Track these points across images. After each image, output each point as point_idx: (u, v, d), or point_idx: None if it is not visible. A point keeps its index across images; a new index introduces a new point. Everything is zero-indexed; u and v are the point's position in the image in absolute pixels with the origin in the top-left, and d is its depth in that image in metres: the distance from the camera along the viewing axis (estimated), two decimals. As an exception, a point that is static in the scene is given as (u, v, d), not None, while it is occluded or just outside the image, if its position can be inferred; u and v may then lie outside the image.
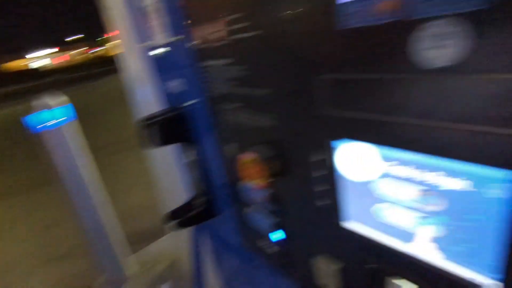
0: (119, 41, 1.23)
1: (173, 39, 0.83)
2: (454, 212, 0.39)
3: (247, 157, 0.64)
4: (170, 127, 0.88)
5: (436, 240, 0.43)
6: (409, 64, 0.36)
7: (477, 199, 0.37)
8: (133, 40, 1.14)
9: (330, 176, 0.53)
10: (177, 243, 1.73)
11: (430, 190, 0.41)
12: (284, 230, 0.71)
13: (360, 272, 0.55)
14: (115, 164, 4.76)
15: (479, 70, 0.31)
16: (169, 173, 1.34)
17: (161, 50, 0.90)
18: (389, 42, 0.37)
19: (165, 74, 0.94)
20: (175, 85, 0.91)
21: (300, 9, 0.46)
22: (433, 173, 0.40)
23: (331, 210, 0.55)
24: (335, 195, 0.53)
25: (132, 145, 5.44)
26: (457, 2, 0.30)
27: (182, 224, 0.97)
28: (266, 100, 0.60)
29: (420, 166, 0.41)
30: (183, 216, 0.97)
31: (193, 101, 0.87)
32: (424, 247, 0.44)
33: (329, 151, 0.51)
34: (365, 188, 0.49)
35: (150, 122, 0.85)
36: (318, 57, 0.46)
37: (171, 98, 0.95)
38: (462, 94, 0.33)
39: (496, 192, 0.34)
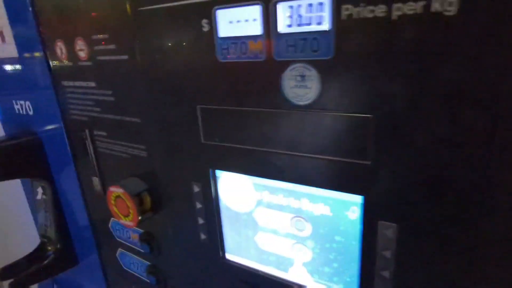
0: None
1: (25, 54, 0.69)
2: (318, 236, 0.43)
3: (116, 192, 0.56)
4: (14, 157, 0.71)
5: (306, 264, 0.45)
6: (275, 99, 0.39)
7: (336, 222, 0.41)
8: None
9: (210, 208, 0.51)
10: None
11: (298, 216, 0.44)
12: (161, 272, 0.64)
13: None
14: None
15: (329, 108, 0.36)
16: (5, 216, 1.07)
17: (7, 65, 0.73)
18: (257, 79, 0.39)
19: (10, 93, 0.77)
20: (23, 106, 0.74)
21: (175, 38, 0.44)
22: (299, 200, 0.43)
23: (212, 244, 0.53)
24: (216, 227, 0.51)
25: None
26: (308, 51, 0.35)
27: (20, 284, 0.76)
28: (136, 128, 0.55)
29: (287, 194, 0.44)
30: (21, 273, 0.77)
31: (47, 127, 0.73)
32: (298, 272, 0.47)
33: (209, 182, 0.49)
34: (244, 218, 0.49)
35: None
36: (193, 88, 0.45)
37: (18, 121, 0.77)
38: (318, 128, 0.37)
39: (351, 214, 0.39)
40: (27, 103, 0.73)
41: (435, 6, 0.28)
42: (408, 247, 0.36)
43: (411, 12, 0.29)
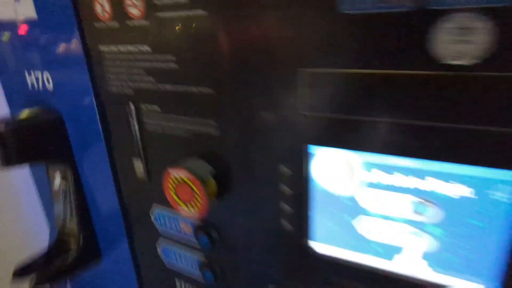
0: None
1: (46, 13, 0.57)
2: (448, 221, 0.38)
3: (177, 175, 0.48)
4: (38, 136, 0.59)
5: (427, 253, 0.40)
6: (417, 58, 0.32)
7: (474, 204, 0.36)
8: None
9: (297, 191, 0.44)
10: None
11: (419, 198, 0.38)
12: (218, 268, 0.57)
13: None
14: None
15: (503, 70, 0.30)
16: (19, 206, 0.94)
17: (22, 28, 0.61)
18: (398, 32, 0.33)
19: (24, 61, 0.64)
20: (40, 79, 0.63)
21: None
22: (423, 179, 0.37)
23: (297, 232, 0.46)
24: (304, 213, 0.45)
25: None
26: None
27: (41, 281, 0.66)
28: (207, 101, 0.46)
29: (407, 172, 0.38)
30: (42, 269, 0.66)
31: (72, 103, 0.62)
32: (413, 263, 0.41)
33: (300, 161, 0.42)
34: (343, 202, 0.43)
35: (3, 130, 0.55)
36: (296, 47, 0.38)
37: (34, 96, 0.65)
38: (484, 94, 0.31)
39: (500, 195, 0.34)
40: (46, 73, 0.62)
41: None
42: None
43: None
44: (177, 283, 0.64)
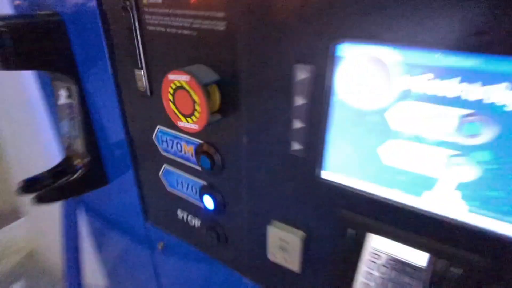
0: None
1: None
2: (504, 143, 0.27)
3: (177, 80, 0.40)
4: (30, 40, 0.53)
5: (468, 187, 0.31)
6: None
7: (556, 119, 0.25)
8: None
9: (316, 104, 0.35)
10: (35, 228, 1.27)
11: (475, 114, 0.28)
12: (220, 192, 0.50)
13: (339, 241, 0.40)
14: None
15: None
16: (24, 121, 0.91)
17: None
18: None
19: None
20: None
21: None
22: (487, 86, 0.27)
23: (309, 158, 0.38)
24: (320, 134, 0.36)
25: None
26: None
27: (44, 198, 0.63)
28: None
29: (470, 77, 0.27)
30: (46, 186, 0.63)
31: (75, 5, 0.54)
32: (446, 199, 0.32)
33: (324, 64, 0.33)
34: (370, 119, 0.33)
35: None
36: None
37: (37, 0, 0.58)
38: None
39: None
40: (45, -29, 0.53)
41: None
42: None
43: None
44: (178, 210, 0.59)
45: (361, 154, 0.35)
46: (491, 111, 0.27)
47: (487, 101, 0.27)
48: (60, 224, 0.83)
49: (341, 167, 0.37)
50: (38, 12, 0.55)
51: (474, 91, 0.27)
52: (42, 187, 0.61)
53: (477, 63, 0.26)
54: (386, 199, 0.35)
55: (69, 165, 0.66)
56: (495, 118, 0.27)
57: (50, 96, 0.68)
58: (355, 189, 0.36)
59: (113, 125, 0.60)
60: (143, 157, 0.60)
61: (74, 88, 0.60)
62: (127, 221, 0.74)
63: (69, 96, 0.62)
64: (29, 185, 0.62)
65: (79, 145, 0.64)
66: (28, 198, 0.62)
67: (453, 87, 0.28)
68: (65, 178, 0.63)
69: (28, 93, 0.79)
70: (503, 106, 0.26)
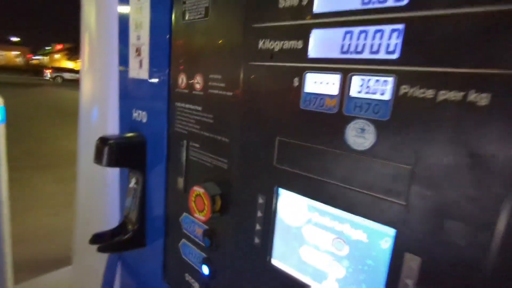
0: (87, 58, 1.24)
1: (154, 76, 0.89)
2: (353, 257, 0.50)
3: (197, 190, 0.70)
4: (128, 150, 0.89)
5: (339, 280, 0.52)
6: (338, 143, 0.49)
7: (370, 248, 0.48)
8: (106, 63, 1.16)
9: (267, 218, 0.61)
10: (79, 276, 1.54)
11: (339, 238, 0.52)
12: (213, 265, 0.74)
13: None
14: (25, 179, 4.08)
15: (378, 156, 0.45)
16: (99, 196, 1.26)
17: (139, 80, 0.95)
18: (328, 125, 0.51)
19: (134, 102, 0.98)
20: (140, 114, 0.94)
21: (271, 86, 0.58)
22: (342, 224, 0.51)
23: (263, 248, 0.62)
24: (269, 235, 0.61)
25: (53, 162, 4.82)
26: (370, 112, 0.45)
27: (105, 249, 0.92)
28: (224, 146, 0.68)
29: (333, 218, 0.52)
30: (108, 240, 0.92)
31: (154, 133, 0.91)
32: (330, 286, 0.54)
33: (272, 197, 0.60)
34: (294, 231, 0.58)
35: (111, 141, 0.86)
36: (278, 125, 0.58)
37: (132, 125, 0.97)
38: (367, 170, 0.46)
39: (384, 244, 0.47)
40: (144, 112, 0.93)
41: (470, 97, 0.37)
42: (429, 279, 0.42)
43: (452, 98, 0.38)
44: (186, 274, 0.83)
45: (291, 251, 0.59)
46: (345, 237, 0.51)
47: (343, 231, 0.51)
48: (102, 273, 1.10)
49: (282, 257, 0.61)
50: (132, 134, 0.93)
51: (338, 226, 0.52)
52: (104, 240, 0.91)
53: (338, 213, 0.52)
54: (303, 283, 0.57)
55: (124, 228, 0.95)
56: (347, 241, 0.51)
57: (125, 180, 1.02)
58: (288, 273, 0.59)
59: (158, 206, 0.90)
60: (171, 231, 0.87)
61: (140, 179, 0.94)
62: (150, 278, 0.98)
63: (136, 183, 0.95)
64: (96, 238, 0.92)
65: (134, 215, 0.95)
66: (79, 248, 0.91)
67: (329, 222, 0.53)
68: (120, 237, 0.92)
69: (110, 177, 1.16)
70: (350, 236, 0.50)
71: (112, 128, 1.33)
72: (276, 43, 0.56)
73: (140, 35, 0.91)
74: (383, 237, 0.47)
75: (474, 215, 0.38)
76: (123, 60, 1.00)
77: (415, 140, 0.42)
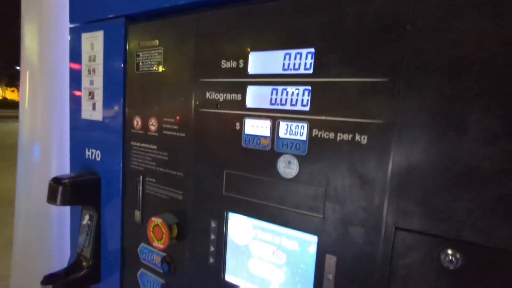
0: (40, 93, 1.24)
1: (109, 118, 0.96)
2: (290, 264, 0.63)
3: (156, 221, 0.77)
4: (82, 189, 0.92)
5: (281, 284, 0.64)
6: (272, 173, 0.63)
7: (301, 254, 0.61)
8: (51, 102, 1.18)
9: (220, 239, 0.71)
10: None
11: (278, 249, 0.65)
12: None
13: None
14: None
15: (303, 182, 0.60)
16: (43, 236, 1.22)
17: (92, 121, 1.00)
18: (264, 160, 0.64)
19: (87, 142, 1.02)
20: (94, 153, 0.99)
21: (218, 129, 0.71)
22: (280, 237, 0.64)
23: (218, 266, 0.72)
24: (222, 254, 0.71)
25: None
26: (294, 149, 0.60)
27: (57, 289, 0.91)
28: (179, 179, 0.78)
29: (273, 233, 0.65)
30: (61, 280, 0.92)
31: (109, 170, 0.96)
32: (273, 290, 0.65)
33: (222, 221, 0.71)
34: (242, 249, 0.69)
35: (66, 181, 0.88)
36: (225, 160, 0.70)
37: (87, 163, 1.01)
38: (295, 193, 0.61)
39: (311, 249, 0.60)
40: (98, 151, 0.98)
41: (357, 138, 0.54)
42: (343, 272, 0.56)
43: (346, 139, 0.55)
44: (145, 303, 0.87)
45: (241, 266, 0.69)
46: (282, 248, 0.64)
47: (281, 243, 0.64)
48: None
49: (234, 272, 0.70)
50: (85, 172, 0.97)
51: (277, 239, 0.64)
52: (57, 280, 0.90)
53: (276, 228, 0.64)
54: (252, 292, 0.67)
55: (79, 266, 0.96)
56: (284, 251, 0.63)
57: (78, 217, 1.03)
58: (240, 286, 0.69)
59: (113, 241, 0.94)
60: (129, 263, 0.91)
61: (95, 215, 0.96)
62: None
63: (90, 219, 0.98)
64: (48, 279, 0.91)
65: (88, 252, 0.96)
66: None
67: (270, 237, 0.65)
68: (75, 275, 0.92)
69: (63, 214, 1.15)
70: (287, 246, 0.63)
71: (57, 166, 1.33)
72: (220, 95, 0.70)
73: (94, 80, 0.98)
74: (310, 244, 0.60)
75: (366, 220, 0.53)
76: (74, 102, 1.04)
77: (325, 168, 0.57)
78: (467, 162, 0.46)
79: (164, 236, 0.76)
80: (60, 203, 0.89)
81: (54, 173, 0.97)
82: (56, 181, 0.89)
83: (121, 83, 0.90)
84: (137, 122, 0.87)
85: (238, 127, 0.67)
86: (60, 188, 0.89)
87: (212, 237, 0.72)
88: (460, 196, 0.46)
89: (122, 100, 0.90)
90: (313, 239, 0.60)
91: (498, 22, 0.43)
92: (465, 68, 0.45)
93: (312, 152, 0.59)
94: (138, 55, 0.86)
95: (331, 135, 0.56)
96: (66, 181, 0.90)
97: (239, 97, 0.67)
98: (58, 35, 1.15)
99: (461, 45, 0.45)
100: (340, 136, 0.56)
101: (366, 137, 0.53)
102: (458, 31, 0.46)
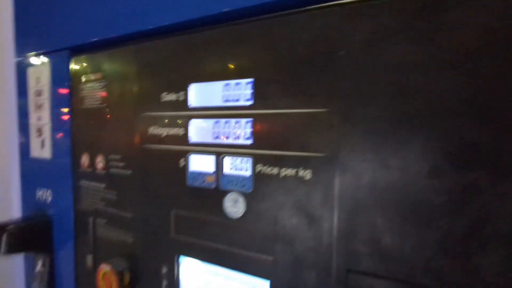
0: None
1: (58, 155, 0.89)
2: (245, 311, 0.57)
3: (104, 269, 0.70)
4: (31, 234, 0.85)
5: (236, 333, 0.58)
6: (219, 213, 0.58)
7: (255, 300, 0.56)
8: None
9: (172, 285, 0.65)
10: None
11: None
12: None
13: None
14: None
15: (251, 223, 0.55)
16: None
17: (42, 160, 0.93)
18: (210, 199, 0.59)
19: (37, 181, 0.94)
20: (44, 194, 0.92)
21: (163, 166, 0.65)
22: (232, 281, 0.58)
23: None
24: None
25: None
26: (239, 186, 0.55)
27: None
28: (129, 221, 0.72)
29: (225, 277, 0.59)
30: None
31: (60, 212, 0.89)
32: None
33: (174, 265, 0.65)
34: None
35: (11, 227, 0.81)
36: (172, 200, 0.64)
37: (39, 205, 0.94)
38: (243, 234, 0.55)
39: (262, 294, 0.55)
40: (48, 191, 0.91)
41: (300, 173, 0.49)
42: (297, 320, 0.51)
43: (289, 174, 0.50)
44: None
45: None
46: (236, 294, 0.58)
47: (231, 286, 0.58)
48: None
49: (188, 322, 0.64)
50: (35, 215, 0.90)
51: (230, 284, 0.59)
52: None
53: (228, 272, 0.59)
54: None
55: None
56: None
57: (30, 263, 0.95)
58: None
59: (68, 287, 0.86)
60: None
61: (48, 261, 0.89)
62: None
63: (43, 266, 0.90)
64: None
65: (42, 302, 0.88)
66: None
67: (223, 282, 0.60)
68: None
69: (13, 262, 1.06)
70: (238, 292, 0.58)
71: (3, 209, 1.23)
72: (163, 129, 0.65)
73: (41, 116, 0.92)
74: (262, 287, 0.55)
75: (317, 263, 0.49)
76: (23, 139, 0.98)
77: (272, 207, 0.52)
78: (413, 197, 0.42)
79: (113, 285, 0.69)
80: (5, 252, 0.82)
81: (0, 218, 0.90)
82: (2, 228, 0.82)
83: (68, 118, 0.84)
84: (85, 159, 0.81)
85: (182, 163, 0.62)
86: (4, 236, 0.81)
87: (164, 283, 0.66)
88: (409, 234, 0.42)
89: (69, 136, 0.84)
90: (265, 284, 0.54)
91: (435, 46, 0.40)
92: (403, 96, 0.42)
93: (258, 189, 0.54)
94: (82, 89, 0.81)
95: (275, 170, 0.52)
96: (12, 227, 0.83)
97: (182, 131, 0.63)
98: (4, 70, 1.09)
99: (398, 72, 0.42)
100: (283, 171, 0.51)
101: (309, 172, 0.49)
102: (393, 57, 0.42)
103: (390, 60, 0.42)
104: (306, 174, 0.49)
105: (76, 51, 0.83)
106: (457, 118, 0.39)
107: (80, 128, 0.82)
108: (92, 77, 0.78)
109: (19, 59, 0.97)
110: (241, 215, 0.56)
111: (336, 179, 0.47)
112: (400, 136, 0.42)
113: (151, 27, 0.66)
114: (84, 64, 0.80)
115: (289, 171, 0.51)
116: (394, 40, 0.42)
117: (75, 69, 0.82)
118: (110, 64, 0.75)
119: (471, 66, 0.38)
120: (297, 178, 0.50)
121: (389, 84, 0.43)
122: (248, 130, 0.55)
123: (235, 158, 0.57)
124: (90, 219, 0.79)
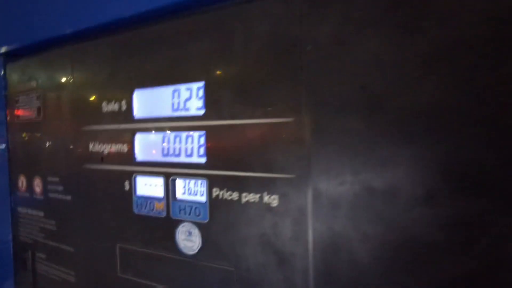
0: None
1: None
2: None
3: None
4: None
5: None
6: (171, 247, 0.47)
7: None
8: None
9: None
10: None
11: None
12: None
13: None
14: None
15: (207, 260, 0.44)
16: None
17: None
18: (160, 230, 0.48)
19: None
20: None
21: (106, 190, 0.54)
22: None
23: None
24: None
25: None
26: (193, 215, 0.45)
27: None
28: (69, 256, 0.60)
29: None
30: None
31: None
32: None
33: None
34: None
35: None
36: (117, 231, 0.53)
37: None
38: (199, 274, 0.45)
39: None
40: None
41: (265, 199, 0.39)
42: None
43: (252, 200, 0.40)
44: None
45: None
46: None
47: None
48: None
49: None
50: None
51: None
52: None
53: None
54: None
55: None
56: None
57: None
58: None
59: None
60: None
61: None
62: None
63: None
64: None
65: None
66: None
67: (179, 330, 0.48)
68: None
69: None
70: None
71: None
72: (105, 146, 0.54)
73: (-24, 132, 0.78)
74: None
75: (287, 311, 0.38)
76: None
77: (233, 241, 0.42)
78: (405, 231, 0.32)
79: (51, 336, 0.57)
80: None
81: None
82: None
83: (4, 134, 0.71)
84: (22, 182, 0.68)
85: (127, 187, 0.51)
86: None
87: (113, 332, 0.54)
88: (401, 279, 0.32)
89: (6, 155, 0.71)
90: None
91: (414, 43, 0.31)
92: (388, 101, 0.32)
93: (215, 218, 0.43)
94: (17, 101, 0.68)
95: (235, 195, 0.42)
96: None
97: (125, 148, 0.51)
98: None
99: (369, 74, 0.33)
100: (245, 196, 0.41)
101: (276, 198, 0.39)
102: (361, 56, 0.33)
103: (358, 59, 0.33)
104: (272, 200, 0.39)
105: (13, 56, 0.71)
106: (456, 129, 0.29)
107: (16, 146, 0.70)
108: (27, 86, 0.66)
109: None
110: (197, 251, 0.45)
111: (309, 207, 0.37)
112: (385, 152, 0.32)
113: (87, 26, 0.54)
114: (18, 72, 0.68)
115: (252, 197, 0.40)
116: (368, 34, 0.33)
117: (8, 78, 0.70)
118: (44, 71, 0.63)
119: (464, 64, 0.29)
120: (261, 205, 0.40)
121: (368, 85, 0.33)
122: (202, 145, 0.44)
123: (187, 180, 0.46)
124: (29, 254, 0.67)
